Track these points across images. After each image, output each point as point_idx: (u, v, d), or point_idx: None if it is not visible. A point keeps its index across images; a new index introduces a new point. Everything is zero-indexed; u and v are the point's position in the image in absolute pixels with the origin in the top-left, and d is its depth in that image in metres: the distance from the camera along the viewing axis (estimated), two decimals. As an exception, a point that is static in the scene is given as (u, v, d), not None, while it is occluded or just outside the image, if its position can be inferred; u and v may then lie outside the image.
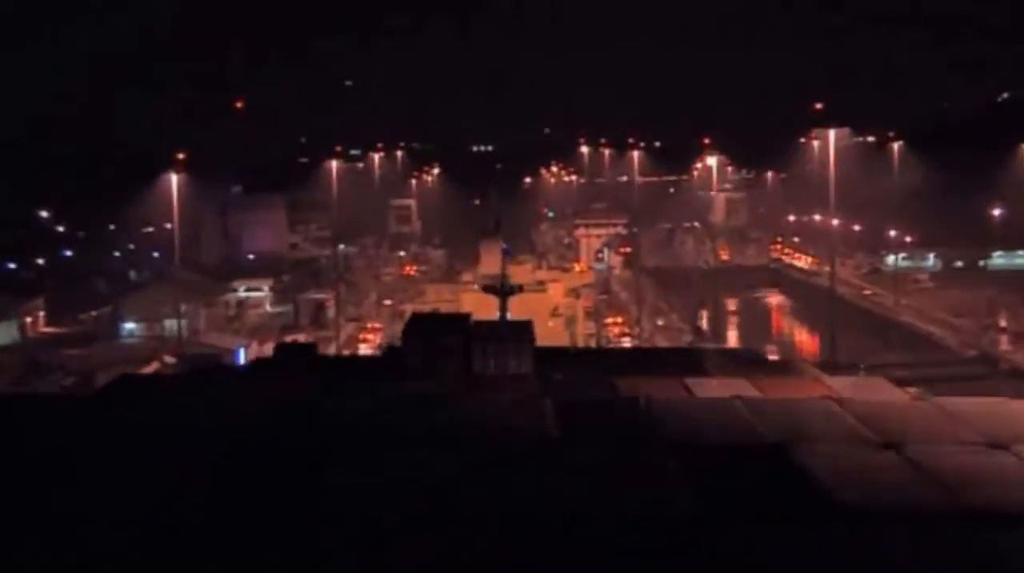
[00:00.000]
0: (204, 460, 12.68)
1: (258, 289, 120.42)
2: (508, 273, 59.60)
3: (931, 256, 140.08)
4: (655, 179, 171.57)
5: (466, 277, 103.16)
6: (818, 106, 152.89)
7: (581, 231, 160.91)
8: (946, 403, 15.65)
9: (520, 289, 53.98)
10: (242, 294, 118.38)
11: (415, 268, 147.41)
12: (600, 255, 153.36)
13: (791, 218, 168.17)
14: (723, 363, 23.83)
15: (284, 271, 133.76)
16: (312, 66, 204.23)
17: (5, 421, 15.02)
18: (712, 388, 19.45)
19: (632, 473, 12.34)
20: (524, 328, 23.45)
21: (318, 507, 11.10)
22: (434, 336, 22.53)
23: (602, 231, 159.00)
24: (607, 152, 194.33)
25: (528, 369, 21.76)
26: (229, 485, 11.84)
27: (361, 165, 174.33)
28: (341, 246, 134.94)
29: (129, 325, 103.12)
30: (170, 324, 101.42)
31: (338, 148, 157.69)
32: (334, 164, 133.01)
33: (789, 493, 11.57)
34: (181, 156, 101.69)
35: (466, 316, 24.90)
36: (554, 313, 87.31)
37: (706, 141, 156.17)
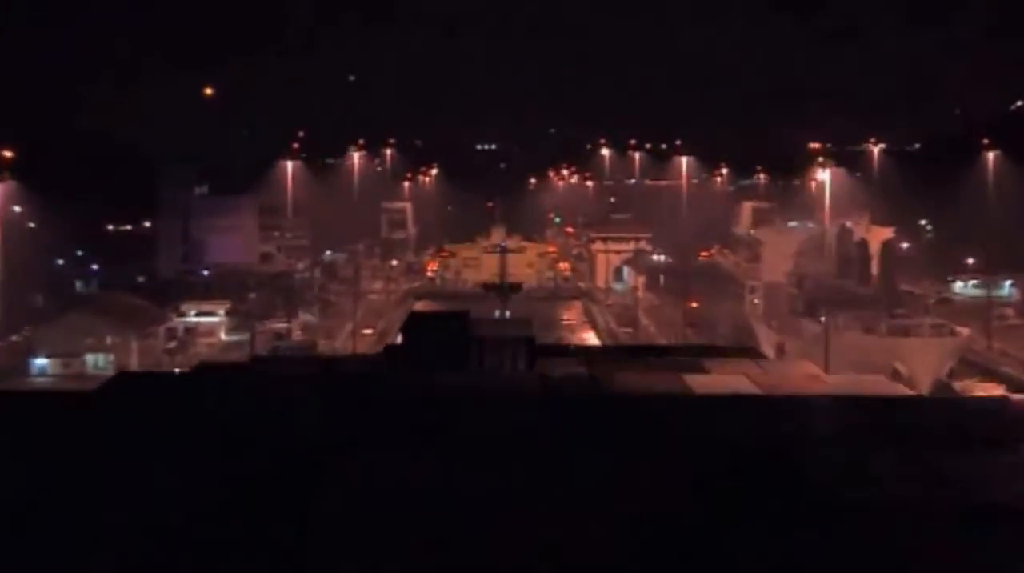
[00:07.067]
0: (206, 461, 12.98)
1: (212, 313, 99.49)
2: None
3: (1007, 284, 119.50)
4: (663, 183, 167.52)
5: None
6: (815, 145, 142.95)
7: (598, 246, 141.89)
8: (948, 401, 17.14)
9: (520, 288, 57.48)
10: (192, 319, 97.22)
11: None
12: (619, 274, 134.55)
13: None
14: (722, 360, 23.80)
15: (251, 287, 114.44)
16: (304, 58, 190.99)
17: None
18: (711, 384, 19.80)
19: (632, 471, 12.35)
20: (524, 326, 24.50)
21: (317, 507, 11.22)
22: (433, 334, 23.19)
23: (622, 246, 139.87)
24: (636, 155, 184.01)
25: (527, 367, 22.30)
26: (228, 484, 12.02)
27: (352, 162, 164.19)
28: (328, 253, 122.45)
29: (40, 361, 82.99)
30: (93, 359, 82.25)
31: (353, 144, 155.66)
32: (344, 162, 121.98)
33: (790, 490, 11.60)
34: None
35: (465, 313, 25.30)
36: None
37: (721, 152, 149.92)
